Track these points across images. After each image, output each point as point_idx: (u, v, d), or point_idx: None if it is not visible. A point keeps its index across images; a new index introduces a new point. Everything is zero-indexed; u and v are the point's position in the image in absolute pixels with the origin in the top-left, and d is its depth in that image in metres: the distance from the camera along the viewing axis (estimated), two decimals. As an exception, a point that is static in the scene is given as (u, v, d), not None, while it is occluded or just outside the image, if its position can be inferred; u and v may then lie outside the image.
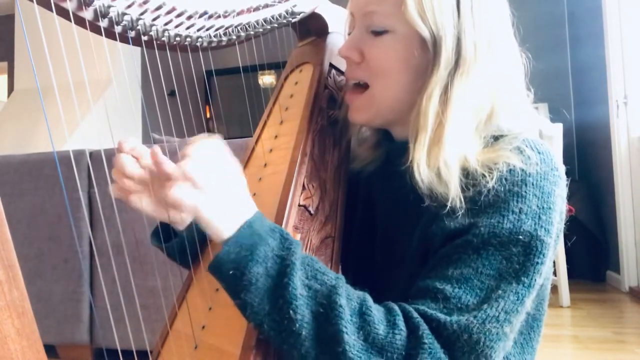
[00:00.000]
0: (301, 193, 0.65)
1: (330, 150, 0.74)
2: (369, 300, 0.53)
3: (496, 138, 0.60)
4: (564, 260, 2.49)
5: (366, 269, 0.73)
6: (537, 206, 0.54)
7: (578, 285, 2.82)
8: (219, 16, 0.63)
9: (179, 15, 0.58)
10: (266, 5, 0.70)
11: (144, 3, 0.53)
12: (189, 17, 0.59)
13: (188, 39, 0.60)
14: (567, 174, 0.60)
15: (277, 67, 0.82)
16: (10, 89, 4.78)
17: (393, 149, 0.70)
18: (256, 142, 0.80)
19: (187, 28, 0.60)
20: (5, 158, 1.99)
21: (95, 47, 0.49)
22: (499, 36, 0.61)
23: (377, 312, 0.51)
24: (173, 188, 0.50)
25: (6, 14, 4.97)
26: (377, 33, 0.62)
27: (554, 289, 2.53)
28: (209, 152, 0.53)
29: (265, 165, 0.73)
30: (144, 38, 0.56)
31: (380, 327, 0.50)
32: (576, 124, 3.49)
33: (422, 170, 0.57)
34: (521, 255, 0.53)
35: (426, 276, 0.56)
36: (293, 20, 0.78)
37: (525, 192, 0.55)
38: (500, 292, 0.52)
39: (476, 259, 0.53)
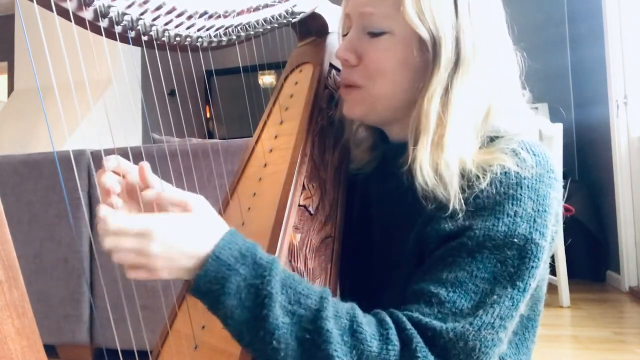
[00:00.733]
0: (301, 193, 0.65)
1: (330, 150, 0.74)
2: (359, 314, 0.51)
3: (492, 139, 0.60)
4: (564, 260, 2.49)
5: (363, 269, 0.73)
6: (533, 209, 0.54)
7: (578, 285, 2.82)
8: (219, 16, 0.63)
9: (179, 15, 0.58)
10: (266, 5, 0.70)
11: (144, 3, 0.53)
12: (189, 17, 0.59)
13: (188, 39, 0.60)
14: (567, 174, 0.60)
15: (277, 67, 0.82)
16: (10, 89, 4.77)
17: (389, 150, 0.70)
18: (256, 142, 0.80)
19: (187, 28, 0.60)
20: (5, 158, 1.99)
21: (95, 47, 0.49)
22: (496, 36, 0.61)
23: (368, 328, 0.50)
24: (127, 273, 0.48)
25: (6, 14, 4.97)
26: (375, 34, 0.62)
27: (554, 289, 2.53)
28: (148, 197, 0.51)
29: (265, 165, 0.73)
30: (144, 38, 0.56)
31: (373, 343, 0.49)
32: (576, 124, 3.49)
33: (424, 172, 0.57)
34: (516, 259, 0.53)
35: (421, 279, 0.56)
36: (293, 20, 0.78)
37: (521, 194, 0.54)
38: (495, 297, 0.52)
39: (471, 262, 0.53)
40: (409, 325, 0.50)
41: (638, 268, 2.79)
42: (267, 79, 4.31)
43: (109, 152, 0.59)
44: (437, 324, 0.50)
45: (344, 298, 0.54)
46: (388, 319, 0.51)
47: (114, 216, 0.47)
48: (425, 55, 0.60)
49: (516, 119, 0.62)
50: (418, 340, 0.49)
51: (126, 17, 0.53)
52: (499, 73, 0.61)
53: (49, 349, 1.92)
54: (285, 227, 0.60)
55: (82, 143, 3.32)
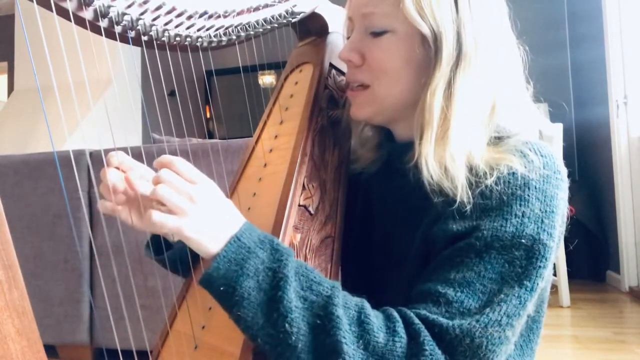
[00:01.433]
0: (301, 193, 0.65)
1: (330, 150, 0.74)
2: (367, 307, 0.52)
3: (499, 139, 0.60)
4: (564, 260, 2.49)
5: (365, 269, 0.73)
6: (540, 210, 0.54)
7: (578, 286, 2.83)
8: (219, 16, 0.63)
9: (179, 15, 0.58)
10: (266, 5, 0.70)
11: (144, 3, 0.53)
12: (189, 17, 0.59)
13: (188, 39, 0.60)
14: (567, 174, 0.60)
15: (277, 67, 0.82)
16: (10, 89, 4.78)
17: (394, 149, 0.70)
18: (256, 142, 0.80)
19: (187, 28, 0.60)
20: (5, 158, 1.99)
21: (95, 47, 0.49)
22: (497, 30, 0.62)
23: (376, 320, 0.50)
24: (152, 213, 0.48)
25: (6, 14, 4.97)
26: (377, 34, 0.63)
27: (554, 289, 2.53)
28: (184, 169, 0.51)
29: (265, 165, 0.73)
30: (144, 38, 0.56)
31: (380, 334, 0.49)
32: (576, 124, 3.49)
33: (430, 166, 0.57)
34: (524, 259, 0.53)
35: (428, 279, 0.56)
36: (293, 20, 0.78)
37: (528, 195, 0.55)
38: (502, 296, 0.52)
39: (479, 262, 0.53)
40: (416, 320, 0.51)
41: (638, 268, 2.79)
42: (267, 79, 4.31)
43: (109, 152, 0.59)
44: (444, 320, 0.50)
45: None
46: (395, 314, 0.52)
47: (180, 159, 0.51)
48: (427, 52, 0.60)
49: (520, 117, 0.62)
50: (426, 334, 0.50)
51: (126, 17, 0.53)
52: (501, 67, 0.61)
53: (49, 349, 1.92)
54: (285, 227, 0.60)
55: (82, 143, 3.33)
